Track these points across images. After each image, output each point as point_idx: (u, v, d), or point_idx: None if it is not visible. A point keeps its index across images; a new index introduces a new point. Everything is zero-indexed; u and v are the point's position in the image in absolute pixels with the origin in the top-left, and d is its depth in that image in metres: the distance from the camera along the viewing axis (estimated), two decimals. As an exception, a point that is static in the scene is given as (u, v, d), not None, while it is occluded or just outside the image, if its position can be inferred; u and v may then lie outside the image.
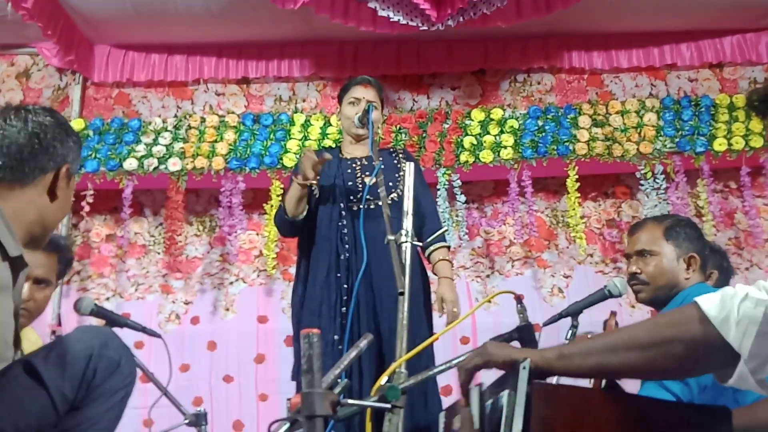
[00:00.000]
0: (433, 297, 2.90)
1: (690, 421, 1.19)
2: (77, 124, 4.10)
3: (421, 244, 2.92)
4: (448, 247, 3.00)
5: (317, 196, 2.95)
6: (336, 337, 2.70)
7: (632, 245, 2.39)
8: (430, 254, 2.93)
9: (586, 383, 1.41)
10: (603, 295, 2.34)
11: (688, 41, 4.41)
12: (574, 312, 2.35)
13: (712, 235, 3.94)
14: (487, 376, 1.33)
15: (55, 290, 2.50)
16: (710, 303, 1.14)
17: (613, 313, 2.53)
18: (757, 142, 3.94)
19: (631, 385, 2.02)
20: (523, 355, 1.20)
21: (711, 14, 4.20)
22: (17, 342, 1.50)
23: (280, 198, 3.81)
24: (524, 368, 1.17)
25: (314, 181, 2.72)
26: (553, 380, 1.26)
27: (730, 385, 1.14)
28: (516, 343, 1.73)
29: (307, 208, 2.86)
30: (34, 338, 2.44)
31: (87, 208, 3.95)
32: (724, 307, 1.13)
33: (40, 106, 1.61)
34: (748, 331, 1.10)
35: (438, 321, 2.89)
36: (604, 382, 1.36)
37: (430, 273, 2.98)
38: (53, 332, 3.81)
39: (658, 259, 2.32)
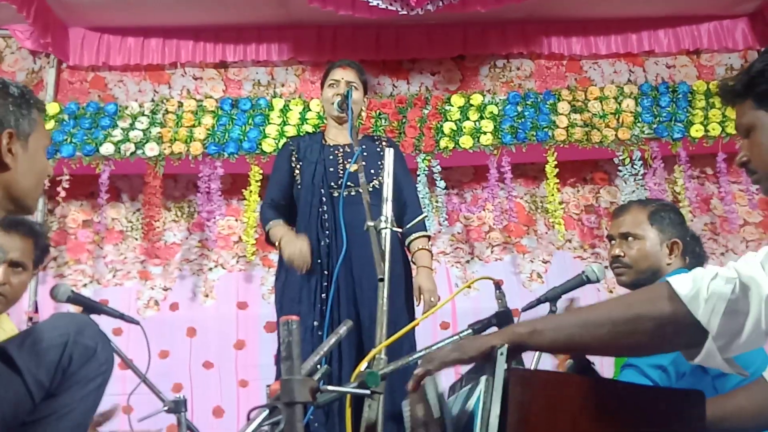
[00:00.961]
0: (414, 284, 2.92)
1: (663, 404, 1.20)
2: (52, 108, 4.04)
3: (401, 230, 2.95)
4: (429, 236, 3.01)
5: (300, 183, 2.95)
6: (316, 323, 2.71)
7: (616, 227, 2.39)
8: (410, 243, 2.94)
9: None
10: (581, 281, 2.37)
11: (665, 28, 4.43)
12: (552, 297, 2.36)
13: (689, 220, 3.99)
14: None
15: (32, 278, 2.47)
16: (681, 281, 1.16)
17: (572, 301, 2.56)
18: (733, 129, 3.97)
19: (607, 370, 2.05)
20: (498, 339, 1.20)
21: (688, 1, 4.23)
22: None
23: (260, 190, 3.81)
24: (501, 354, 1.18)
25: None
26: (529, 364, 1.27)
27: (698, 362, 1.16)
28: (494, 329, 1.74)
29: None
30: (9, 328, 2.42)
31: (63, 194, 3.91)
32: (695, 285, 1.14)
33: None
34: (717, 307, 1.12)
35: (418, 307, 2.91)
36: (570, 360, 1.37)
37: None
38: (30, 319, 3.78)
39: (641, 243, 2.33)
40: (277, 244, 2.84)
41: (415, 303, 2.89)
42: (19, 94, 1.49)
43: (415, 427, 1.41)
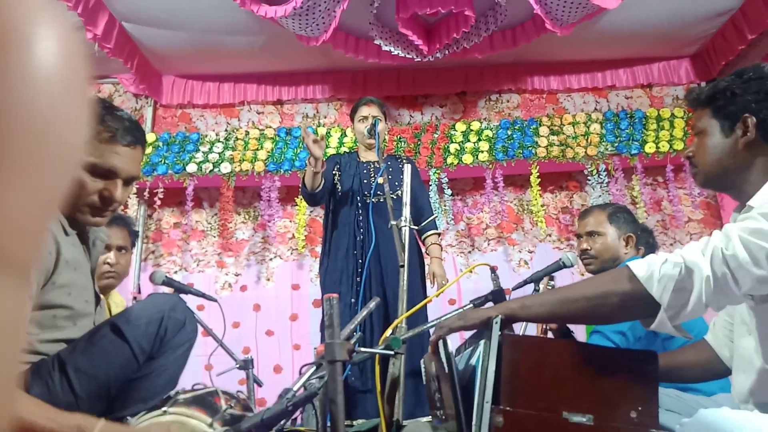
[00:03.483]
0: (427, 270, 2.92)
1: (625, 362, 1.19)
2: (150, 137, 4.10)
3: (417, 228, 2.95)
4: (439, 233, 3.01)
5: (340, 191, 2.95)
6: (353, 300, 2.71)
7: (583, 227, 2.39)
8: (424, 239, 2.95)
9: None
10: (558, 266, 2.34)
11: (624, 67, 4.38)
12: (536, 279, 2.34)
13: (644, 218, 3.93)
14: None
15: (132, 256, 2.52)
16: (638, 265, 1.15)
17: (551, 279, 2.51)
18: (678, 146, 3.92)
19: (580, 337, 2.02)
20: (495, 311, 1.20)
21: (643, 45, 4.17)
22: (98, 299, 1.49)
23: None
24: (496, 323, 1.18)
25: (319, 158, 2.64)
26: (519, 331, 1.26)
27: (652, 329, 1.14)
28: (490, 304, 1.73)
29: (323, 183, 2.79)
30: (119, 300, 2.47)
31: (159, 203, 3.97)
32: (649, 268, 1.13)
33: None
34: (667, 286, 1.10)
35: (431, 288, 2.91)
36: (549, 329, 1.36)
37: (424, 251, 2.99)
38: (134, 298, 3.84)
39: (604, 239, 2.32)
40: (308, 169, 2.70)
41: (429, 285, 2.89)
42: (128, 117, 1.46)
43: (430, 379, 1.41)
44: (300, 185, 2.93)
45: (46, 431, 1.05)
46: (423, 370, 1.46)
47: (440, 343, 1.26)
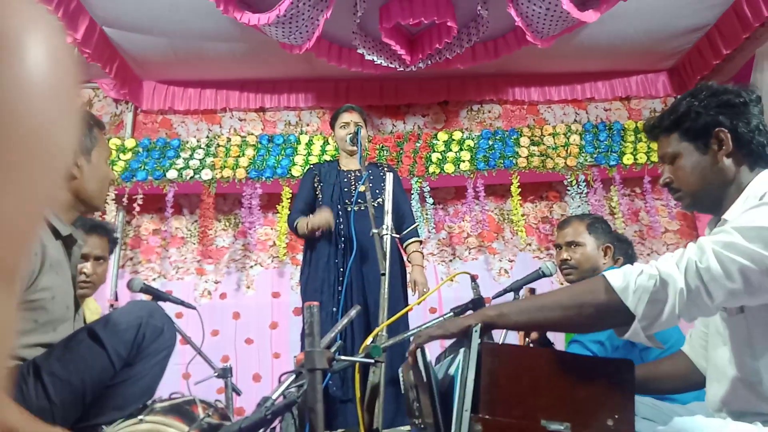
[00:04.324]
0: (409, 277, 2.91)
1: (602, 370, 1.20)
2: (129, 143, 4.06)
3: (399, 236, 2.95)
4: (420, 241, 3.01)
5: (321, 199, 2.94)
6: (334, 309, 2.70)
7: (562, 238, 2.39)
8: (406, 246, 2.95)
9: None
10: (538, 275, 2.35)
11: (603, 80, 4.45)
12: (516, 288, 2.34)
13: (622, 228, 3.99)
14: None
15: (109, 265, 2.49)
16: (614, 276, 1.16)
17: (532, 290, 2.53)
18: (655, 158, 3.98)
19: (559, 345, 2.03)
20: (473, 319, 1.20)
21: (621, 59, 4.25)
22: (77, 305, 1.48)
23: (290, 204, 3.82)
24: (476, 331, 1.18)
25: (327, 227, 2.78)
26: (498, 339, 1.26)
27: (626, 338, 1.16)
28: (470, 312, 1.74)
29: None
30: (94, 307, 2.43)
31: (138, 209, 3.92)
32: (625, 279, 1.14)
33: None
34: (642, 297, 1.12)
35: (412, 296, 2.91)
36: (530, 336, 1.36)
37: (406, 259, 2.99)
38: (111, 306, 3.78)
39: (583, 249, 2.33)
40: (307, 226, 2.77)
41: (410, 293, 2.89)
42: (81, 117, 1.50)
43: (408, 388, 1.41)
44: (288, 220, 2.96)
45: None
46: (401, 378, 1.46)
47: (418, 352, 1.26)
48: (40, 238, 1.31)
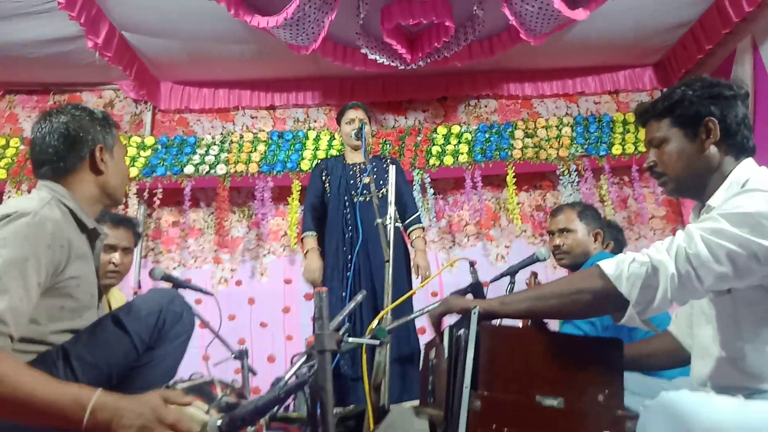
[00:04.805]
0: (412, 262, 2.92)
1: (592, 349, 1.20)
2: (149, 141, 4.07)
3: (402, 225, 2.95)
4: (422, 228, 3.01)
5: (329, 192, 2.95)
6: (344, 294, 2.71)
7: (555, 225, 2.39)
8: (410, 233, 2.95)
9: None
10: (532, 260, 2.36)
11: (593, 75, 4.41)
12: (512, 272, 2.36)
13: (611, 215, 3.97)
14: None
15: (134, 256, 2.49)
16: (608, 265, 1.16)
17: (534, 273, 2.53)
18: (642, 148, 3.95)
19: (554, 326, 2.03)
20: (474, 304, 1.21)
21: (609, 54, 4.21)
22: (100, 295, 1.49)
23: (300, 197, 3.82)
24: (475, 314, 1.18)
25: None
26: (496, 322, 1.26)
27: (622, 323, 1.16)
28: (470, 296, 1.74)
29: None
30: (119, 295, 2.44)
31: (158, 202, 3.93)
32: (618, 267, 1.14)
33: (64, 106, 1.48)
34: (635, 284, 1.11)
35: (416, 279, 2.91)
36: (530, 322, 1.37)
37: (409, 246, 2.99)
38: (135, 293, 3.80)
39: (575, 235, 2.32)
40: (303, 253, 2.89)
41: (414, 276, 2.89)
42: (103, 117, 1.51)
43: (425, 365, 1.41)
44: (302, 222, 3.00)
45: (45, 401, 1.04)
46: (422, 355, 1.46)
47: (445, 330, 1.27)
48: (66, 230, 1.32)
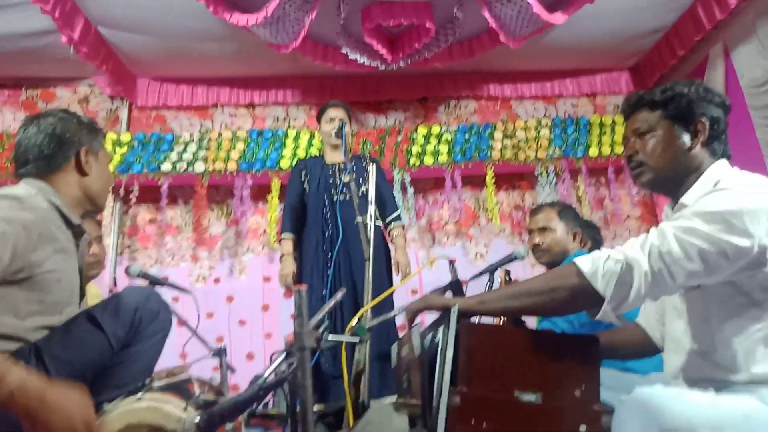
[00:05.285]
0: (393, 260, 2.92)
1: (569, 346, 1.21)
2: (125, 137, 4.00)
3: (382, 224, 2.95)
4: (402, 225, 3.02)
5: (308, 191, 2.94)
6: (324, 292, 2.70)
7: (535, 223, 2.40)
8: (390, 231, 2.95)
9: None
10: (511, 258, 2.36)
11: (571, 77, 4.47)
12: (490, 270, 2.37)
13: (588, 215, 4.03)
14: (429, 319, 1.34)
15: (108, 250, 2.65)
16: (584, 262, 1.17)
17: (507, 272, 2.54)
18: (619, 150, 4.02)
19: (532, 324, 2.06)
20: (454, 302, 1.21)
21: (587, 58, 4.27)
22: (82, 292, 1.48)
23: (280, 196, 3.80)
24: (454, 312, 1.19)
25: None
26: (475, 320, 1.27)
27: (598, 319, 1.17)
28: (449, 294, 1.74)
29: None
30: (95, 292, 2.43)
31: (134, 200, 3.87)
32: (594, 264, 1.16)
33: (52, 110, 1.51)
34: (610, 281, 1.13)
35: (396, 276, 2.91)
36: (506, 319, 1.38)
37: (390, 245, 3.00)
38: (110, 291, 3.73)
39: (554, 234, 2.34)
40: (280, 256, 2.91)
41: (394, 274, 2.89)
42: (89, 123, 1.53)
43: (399, 362, 1.42)
44: (282, 222, 2.99)
45: None
46: (394, 354, 1.47)
47: (414, 329, 1.27)
48: (48, 222, 1.33)
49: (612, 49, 4.12)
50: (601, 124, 4.17)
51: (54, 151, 1.42)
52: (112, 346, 1.32)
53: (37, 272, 1.27)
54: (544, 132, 4.14)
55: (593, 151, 4.04)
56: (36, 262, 1.27)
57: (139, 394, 1.20)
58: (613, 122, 4.16)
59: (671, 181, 1.30)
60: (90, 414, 1.05)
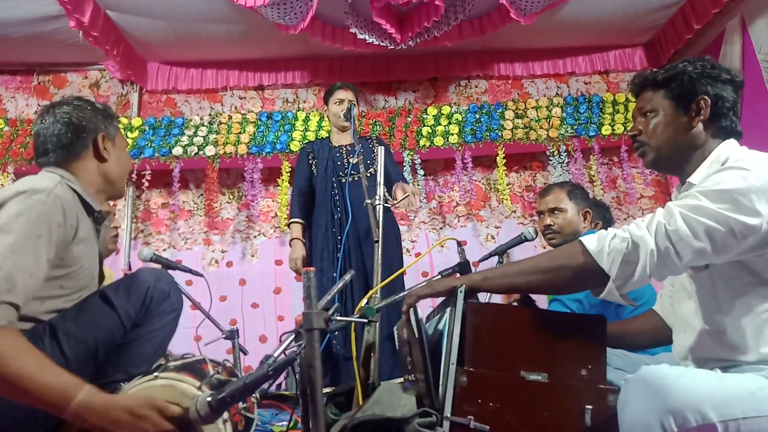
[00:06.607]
0: (403, 239, 2.90)
1: (576, 326, 1.22)
2: (136, 122, 4.02)
3: (394, 203, 2.91)
4: (407, 182, 2.88)
5: (316, 174, 2.95)
6: (334, 274, 2.72)
7: (545, 205, 2.39)
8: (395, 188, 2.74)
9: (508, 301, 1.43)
10: (520, 240, 2.36)
11: (583, 55, 4.40)
12: (500, 252, 2.36)
13: (600, 195, 4.00)
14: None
15: (122, 236, 2.73)
16: (590, 240, 1.17)
17: (507, 255, 2.52)
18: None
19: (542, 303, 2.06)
20: (460, 281, 1.22)
21: (600, 34, 4.19)
22: (101, 277, 1.52)
23: (289, 179, 3.82)
24: (461, 292, 1.20)
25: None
26: (484, 299, 1.28)
27: (602, 297, 1.17)
28: (457, 275, 1.76)
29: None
30: (108, 273, 2.47)
31: (146, 184, 3.91)
32: (599, 242, 1.16)
33: (66, 98, 1.54)
34: (615, 259, 1.13)
35: (408, 257, 2.90)
36: (512, 297, 1.38)
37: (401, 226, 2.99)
38: (125, 275, 3.79)
39: (564, 214, 2.33)
40: (290, 240, 2.92)
41: (401, 194, 2.65)
42: (104, 109, 1.55)
43: (401, 344, 1.44)
44: (291, 206, 3.01)
45: (35, 386, 1.09)
46: (396, 336, 1.49)
47: (411, 310, 1.28)
48: (75, 210, 1.36)
49: (625, 24, 4.04)
50: (614, 102, 4.12)
51: (72, 139, 1.45)
52: (124, 324, 1.35)
53: (63, 263, 1.32)
54: (556, 111, 4.10)
55: (606, 130, 4.00)
56: (65, 255, 1.32)
57: (156, 374, 1.24)
58: (627, 100, 4.11)
59: (673, 160, 1.30)
60: (160, 423, 1.12)
